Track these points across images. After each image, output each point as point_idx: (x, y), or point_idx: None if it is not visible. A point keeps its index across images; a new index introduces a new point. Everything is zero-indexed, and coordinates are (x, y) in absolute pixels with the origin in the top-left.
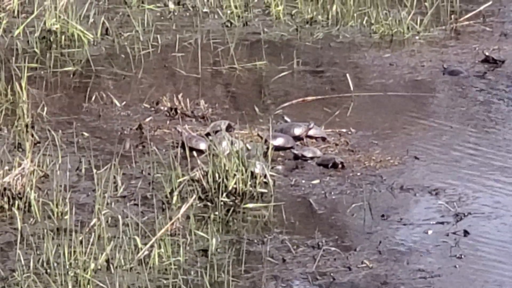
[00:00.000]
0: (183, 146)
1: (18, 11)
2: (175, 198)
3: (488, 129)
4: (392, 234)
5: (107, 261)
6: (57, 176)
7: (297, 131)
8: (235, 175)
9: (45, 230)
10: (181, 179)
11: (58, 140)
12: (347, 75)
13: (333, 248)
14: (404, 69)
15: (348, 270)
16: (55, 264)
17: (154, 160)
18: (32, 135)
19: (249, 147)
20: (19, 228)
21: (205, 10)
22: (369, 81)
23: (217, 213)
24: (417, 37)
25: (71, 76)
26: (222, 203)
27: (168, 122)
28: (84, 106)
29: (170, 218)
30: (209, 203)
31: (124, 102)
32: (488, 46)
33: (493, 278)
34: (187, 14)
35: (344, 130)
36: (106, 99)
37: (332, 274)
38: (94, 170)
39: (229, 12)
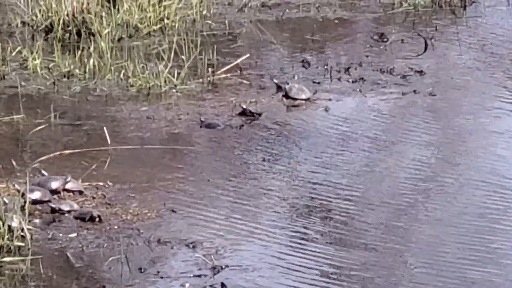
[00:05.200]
0: None
1: None
2: None
3: (247, 181)
4: (149, 287)
5: None
6: None
7: (54, 185)
8: None
9: None
10: None
11: None
12: (104, 128)
13: None
14: (161, 122)
15: None
16: None
17: None
18: None
19: (6, 201)
20: None
21: None
22: (126, 134)
23: None
24: (174, 90)
25: None
26: None
27: None
28: None
29: None
30: None
31: None
32: (245, 99)
33: None
34: None
35: (101, 184)
36: None
37: None
38: None
39: None
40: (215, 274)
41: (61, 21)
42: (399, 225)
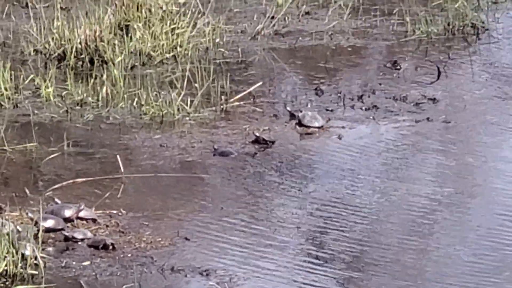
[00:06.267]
0: None
1: None
2: None
3: (260, 209)
4: None
5: None
6: None
7: (68, 213)
8: (6, 257)
9: None
10: None
11: None
12: (118, 156)
13: None
14: (174, 150)
15: None
16: None
17: None
18: None
19: (20, 229)
20: None
21: None
22: (139, 162)
23: None
24: (187, 118)
25: None
26: None
27: None
28: None
29: None
30: None
31: None
32: (258, 126)
33: None
34: None
35: (114, 212)
36: None
37: None
38: None
39: None
40: None
41: (74, 49)
42: (412, 253)
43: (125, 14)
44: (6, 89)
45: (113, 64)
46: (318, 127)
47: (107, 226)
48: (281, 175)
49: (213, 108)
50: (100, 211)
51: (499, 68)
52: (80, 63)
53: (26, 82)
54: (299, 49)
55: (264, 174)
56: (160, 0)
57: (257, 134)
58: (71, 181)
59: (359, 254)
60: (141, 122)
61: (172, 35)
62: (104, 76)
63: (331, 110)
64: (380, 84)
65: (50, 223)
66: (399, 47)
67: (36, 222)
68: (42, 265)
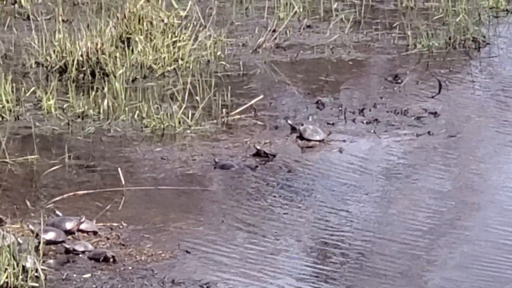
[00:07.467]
0: None
1: None
2: None
3: (261, 222)
4: None
5: None
6: None
7: (69, 225)
8: (6, 269)
9: None
10: None
11: None
12: (119, 169)
13: None
14: (175, 163)
15: None
16: None
17: None
18: None
19: (21, 241)
20: None
21: None
22: (140, 175)
23: None
24: (188, 131)
25: None
26: None
27: None
28: None
29: None
30: None
31: None
32: (259, 139)
33: None
34: None
35: (115, 224)
36: None
37: None
38: None
39: (0, 106)
40: None
41: (75, 62)
42: (412, 268)
43: (127, 26)
44: (7, 101)
45: (115, 76)
46: (319, 141)
47: (108, 238)
48: (281, 188)
49: (214, 121)
50: (101, 224)
51: (500, 82)
52: (82, 75)
53: (28, 94)
54: (300, 62)
55: (264, 188)
56: (161, 13)
57: (258, 147)
58: (72, 193)
59: (359, 268)
60: (142, 135)
61: (174, 48)
62: (106, 89)
63: (332, 124)
64: (381, 97)
65: (51, 235)
66: (400, 60)
67: (37, 235)
68: (43, 277)
